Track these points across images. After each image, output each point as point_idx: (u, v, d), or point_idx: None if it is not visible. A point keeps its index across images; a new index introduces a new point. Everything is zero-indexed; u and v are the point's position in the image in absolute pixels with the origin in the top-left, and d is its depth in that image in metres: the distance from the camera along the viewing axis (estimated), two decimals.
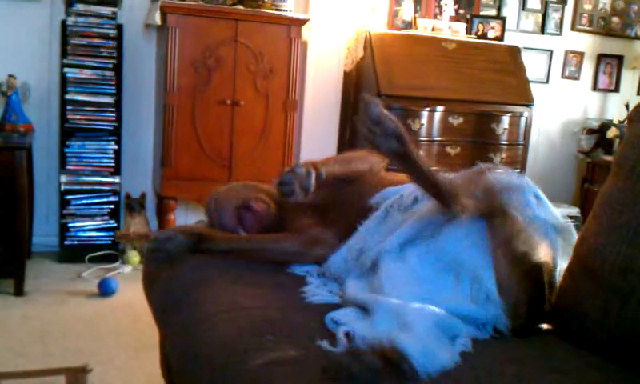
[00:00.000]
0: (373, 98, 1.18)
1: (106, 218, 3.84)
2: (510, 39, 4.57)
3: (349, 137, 4.26)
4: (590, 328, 1.37)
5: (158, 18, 3.67)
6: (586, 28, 5.00)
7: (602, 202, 1.46)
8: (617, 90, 5.16)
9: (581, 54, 5.02)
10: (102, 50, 3.68)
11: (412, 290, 1.35)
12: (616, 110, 5.08)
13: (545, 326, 1.49)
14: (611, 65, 5.12)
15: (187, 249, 1.68)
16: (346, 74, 4.25)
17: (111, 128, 3.75)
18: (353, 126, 4.23)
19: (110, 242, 3.84)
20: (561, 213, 1.55)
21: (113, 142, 3.76)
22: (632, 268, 1.31)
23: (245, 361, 1.21)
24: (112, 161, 3.78)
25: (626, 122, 4.68)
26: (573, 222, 1.61)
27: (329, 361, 1.12)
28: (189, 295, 1.58)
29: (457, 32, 4.34)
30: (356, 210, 1.66)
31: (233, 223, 1.83)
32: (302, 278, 1.62)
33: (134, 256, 3.84)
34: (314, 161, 1.65)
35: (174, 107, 3.59)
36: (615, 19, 5.05)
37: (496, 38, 4.47)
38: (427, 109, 3.92)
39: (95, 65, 3.67)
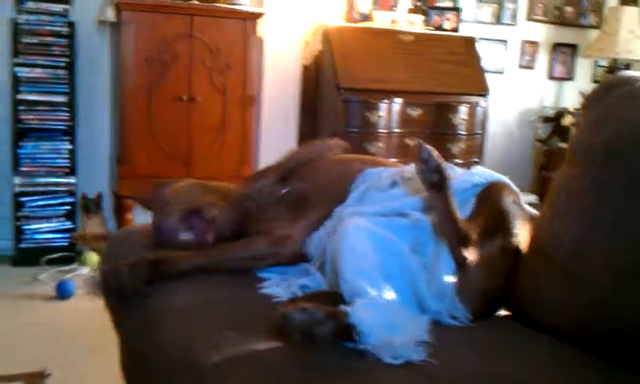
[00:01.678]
0: (424, 143, 1.37)
1: (62, 219, 3.77)
2: (466, 30, 4.61)
3: (309, 130, 4.25)
4: (548, 313, 1.39)
5: (111, 15, 3.60)
6: (541, 18, 5.07)
7: (556, 188, 1.48)
8: (572, 78, 5.25)
9: (536, 44, 5.09)
10: (54, 48, 3.59)
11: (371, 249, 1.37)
12: (571, 97, 5.16)
13: (503, 312, 1.50)
14: (566, 53, 5.20)
15: (142, 281, 1.50)
16: (305, 68, 4.23)
17: (65, 128, 3.67)
18: (313, 120, 4.22)
19: (66, 243, 3.76)
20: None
21: (67, 142, 3.69)
22: (585, 253, 1.33)
23: (202, 359, 1.18)
24: (67, 161, 3.71)
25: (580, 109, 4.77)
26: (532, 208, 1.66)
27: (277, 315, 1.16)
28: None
29: (414, 24, 4.36)
30: (336, 195, 1.65)
31: (180, 228, 1.67)
32: (262, 277, 1.60)
33: (92, 257, 3.76)
34: (264, 170, 1.75)
35: (130, 104, 3.53)
36: (569, 9, 5.13)
37: (452, 30, 4.50)
38: (386, 101, 3.93)
39: (47, 63, 3.58)
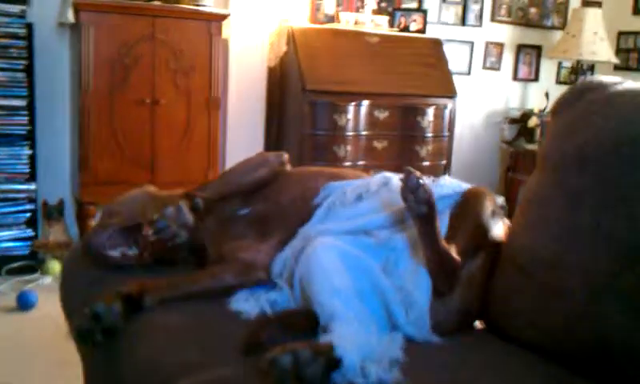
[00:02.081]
0: (412, 170, 1.30)
1: (23, 227, 3.65)
2: (431, 32, 4.61)
3: (275, 133, 4.20)
4: (522, 326, 1.35)
5: (70, 16, 3.50)
6: (505, 19, 5.09)
7: (528, 197, 1.45)
8: (536, 79, 5.29)
9: (501, 45, 5.11)
10: (11, 50, 3.48)
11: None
12: (536, 99, 5.20)
13: (477, 323, 1.48)
14: (530, 55, 5.24)
15: (121, 317, 1.38)
16: (270, 70, 4.18)
17: (24, 132, 3.55)
18: (280, 122, 4.17)
19: (27, 252, 3.65)
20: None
21: (27, 147, 3.57)
22: (560, 264, 1.29)
23: None
24: (27, 167, 3.59)
25: (546, 111, 4.81)
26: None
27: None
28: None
29: (379, 25, 4.34)
30: (300, 213, 1.60)
31: (108, 245, 1.58)
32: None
33: (54, 265, 3.66)
34: (188, 191, 1.64)
35: (91, 108, 3.44)
36: (533, 10, 5.17)
37: (418, 31, 4.50)
38: (353, 103, 3.90)
39: (4, 66, 3.46)
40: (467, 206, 1.46)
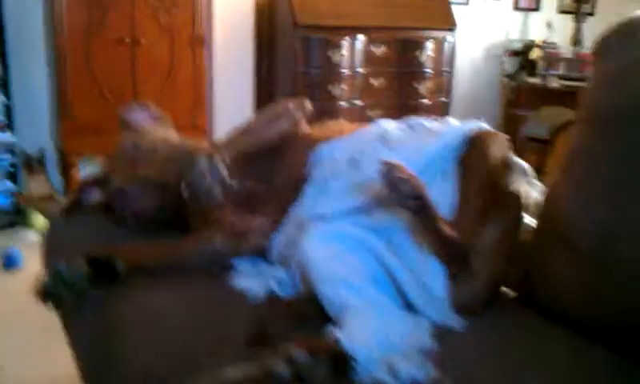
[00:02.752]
0: (389, 163, 1.12)
1: (3, 179, 3.46)
2: None
3: (266, 72, 3.98)
4: (566, 302, 1.17)
5: None
6: None
7: (572, 156, 1.22)
8: (537, 8, 5.05)
9: None
10: None
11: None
12: (538, 29, 4.97)
13: (509, 292, 1.30)
14: None
15: (87, 279, 1.25)
16: (258, 4, 3.95)
17: None
18: (270, 61, 3.95)
19: (10, 206, 3.47)
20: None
21: (1, 95, 3.36)
22: (616, 235, 1.10)
23: None
24: (2, 116, 3.40)
25: (548, 41, 4.58)
26: None
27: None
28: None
29: None
30: (292, 187, 1.41)
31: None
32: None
33: (38, 219, 3.49)
34: (212, 146, 1.44)
35: (66, 51, 3.24)
36: None
37: None
38: (348, 38, 3.68)
39: None
40: (475, 159, 1.26)
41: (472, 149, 1.27)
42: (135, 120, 1.65)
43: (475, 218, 1.19)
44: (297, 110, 1.52)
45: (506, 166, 1.27)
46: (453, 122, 1.38)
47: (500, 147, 1.28)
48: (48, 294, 1.24)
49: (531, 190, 1.33)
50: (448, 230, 1.14)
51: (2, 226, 3.41)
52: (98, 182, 1.64)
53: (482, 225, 1.19)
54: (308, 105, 1.55)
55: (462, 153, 1.28)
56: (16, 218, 3.47)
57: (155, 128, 1.63)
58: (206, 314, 1.17)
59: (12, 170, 3.48)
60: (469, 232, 1.17)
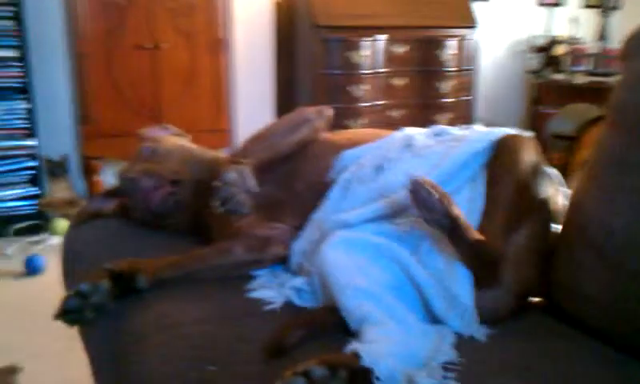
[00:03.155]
0: (420, 181, 1.08)
1: (27, 185, 3.49)
2: None
3: (285, 74, 3.95)
4: (594, 313, 1.13)
5: None
6: None
7: (601, 159, 1.17)
8: (562, 3, 4.95)
9: None
10: None
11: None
12: (562, 24, 4.88)
13: (534, 299, 1.26)
14: None
15: (110, 297, 1.22)
16: (278, 5, 3.91)
17: (19, 85, 3.35)
18: (290, 63, 3.92)
19: (34, 211, 3.50)
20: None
21: (23, 101, 3.37)
22: None
23: None
24: (25, 122, 3.41)
25: (574, 37, 4.50)
26: None
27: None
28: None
29: None
30: (314, 192, 1.37)
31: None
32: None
33: (62, 224, 3.51)
34: (232, 157, 1.40)
35: (87, 56, 3.27)
36: None
37: None
38: (369, 39, 3.64)
39: None
40: (503, 164, 1.21)
41: (501, 154, 1.23)
42: (154, 135, 1.64)
43: (504, 225, 1.15)
44: (317, 118, 1.49)
45: (536, 172, 1.23)
46: (479, 128, 1.34)
47: (530, 152, 1.24)
48: (71, 314, 1.20)
49: (559, 196, 1.28)
50: (478, 240, 1.10)
51: (26, 232, 3.43)
52: (113, 192, 1.64)
53: (512, 232, 1.16)
54: (328, 111, 1.52)
55: (489, 158, 1.24)
56: (39, 223, 3.50)
57: (173, 138, 1.62)
58: (222, 325, 1.14)
59: (35, 175, 3.50)
60: (498, 239, 1.13)
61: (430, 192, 1.06)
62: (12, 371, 2.15)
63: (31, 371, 2.17)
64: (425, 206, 1.07)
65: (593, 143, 1.22)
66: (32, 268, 3.02)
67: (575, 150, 4.31)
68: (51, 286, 2.80)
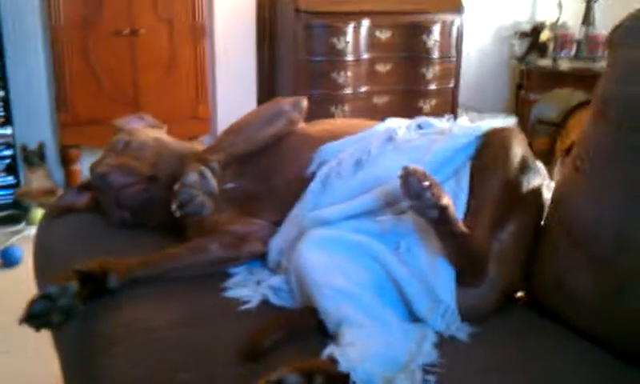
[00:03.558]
0: (411, 169, 1.03)
1: (3, 174, 3.43)
2: None
3: (267, 61, 3.89)
4: (580, 311, 1.09)
5: None
6: None
7: (587, 152, 1.13)
8: None
9: None
10: None
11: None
12: (548, 10, 4.84)
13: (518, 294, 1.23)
14: None
15: (78, 299, 1.16)
16: None
17: None
18: (271, 49, 3.86)
19: (10, 201, 3.43)
20: (499, 125, 1.28)
21: None
22: (633, 245, 1.01)
23: None
24: (0, 110, 3.33)
25: (559, 23, 4.47)
26: None
27: None
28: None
29: None
30: (293, 187, 1.33)
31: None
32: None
33: (40, 214, 3.44)
34: (200, 153, 1.35)
35: (63, 43, 3.17)
36: None
37: None
38: (352, 24, 3.58)
39: None
40: (491, 159, 1.19)
41: (488, 148, 1.20)
42: (129, 125, 1.58)
43: (492, 221, 1.12)
44: (292, 110, 1.44)
45: (524, 166, 1.19)
46: (464, 121, 1.30)
47: (518, 146, 1.20)
48: (37, 319, 1.15)
49: (545, 191, 1.25)
50: (465, 233, 1.07)
51: (3, 222, 3.37)
52: (86, 185, 1.59)
53: (499, 229, 1.13)
54: (304, 102, 1.48)
55: (475, 153, 1.21)
56: (16, 213, 3.43)
57: (148, 130, 1.57)
58: (197, 328, 1.10)
59: (11, 164, 3.42)
60: (485, 237, 1.10)
61: (421, 180, 1.02)
62: None
63: (12, 365, 2.12)
64: (415, 195, 1.03)
65: (577, 129, 1.19)
66: (9, 260, 2.96)
67: (560, 135, 4.30)
68: (29, 278, 2.74)
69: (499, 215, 1.13)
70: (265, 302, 1.16)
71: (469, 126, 1.27)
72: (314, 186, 1.29)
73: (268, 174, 1.38)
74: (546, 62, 4.42)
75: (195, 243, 1.30)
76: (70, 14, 3.14)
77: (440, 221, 1.05)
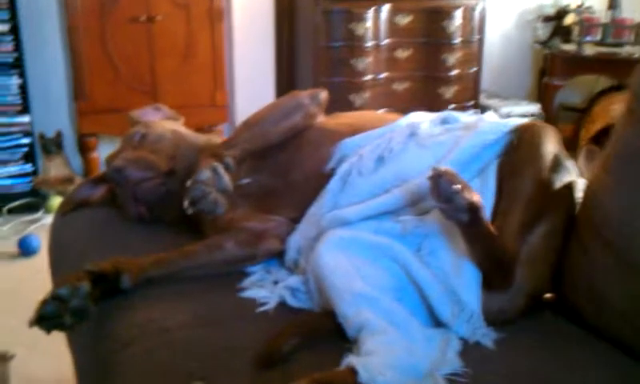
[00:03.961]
0: (442, 171, 0.98)
1: (21, 162, 3.41)
2: None
3: (286, 48, 3.83)
4: (613, 321, 1.04)
5: None
6: None
7: (619, 152, 1.07)
8: None
9: None
10: None
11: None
12: None
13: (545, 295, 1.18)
14: None
15: (90, 300, 1.12)
16: None
17: (11, 60, 3.25)
18: (290, 36, 3.80)
19: (28, 189, 3.42)
20: (522, 111, 1.22)
21: (16, 76, 3.27)
22: None
23: None
24: (18, 98, 3.31)
25: (584, 6, 4.36)
26: (534, 119, 1.26)
27: None
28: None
29: None
30: (312, 183, 1.29)
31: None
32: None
33: (58, 202, 3.42)
34: (214, 147, 1.30)
35: (80, 30, 3.15)
36: None
37: None
38: (372, 9, 3.51)
39: None
40: (521, 157, 1.13)
41: (519, 145, 1.14)
42: (146, 117, 1.55)
43: (522, 223, 1.07)
44: (310, 103, 1.39)
45: (557, 165, 1.13)
46: (490, 116, 1.25)
47: (551, 143, 1.14)
48: (48, 320, 1.11)
49: (577, 190, 1.19)
50: (494, 236, 1.02)
51: (21, 210, 3.36)
52: (101, 178, 1.55)
53: (529, 231, 1.07)
54: (323, 94, 1.43)
55: (505, 150, 1.15)
56: (34, 201, 3.43)
57: (165, 122, 1.53)
58: (212, 331, 1.06)
59: (29, 152, 3.41)
60: (514, 239, 1.05)
61: (453, 182, 0.97)
62: (3, 358, 2.09)
63: (23, 358, 2.10)
64: (446, 198, 0.98)
65: (603, 116, 1.12)
66: (27, 249, 2.95)
67: (585, 122, 4.20)
68: (47, 267, 2.74)
69: (529, 217, 1.08)
70: (282, 304, 1.12)
71: (496, 121, 1.21)
72: (333, 184, 1.24)
73: (286, 168, 1.34)
74: (570, 47, 4.30)
75: (210, 241, 1.26)
76: (87, 1, 3.12)
77: (469, 224, 1.00)
